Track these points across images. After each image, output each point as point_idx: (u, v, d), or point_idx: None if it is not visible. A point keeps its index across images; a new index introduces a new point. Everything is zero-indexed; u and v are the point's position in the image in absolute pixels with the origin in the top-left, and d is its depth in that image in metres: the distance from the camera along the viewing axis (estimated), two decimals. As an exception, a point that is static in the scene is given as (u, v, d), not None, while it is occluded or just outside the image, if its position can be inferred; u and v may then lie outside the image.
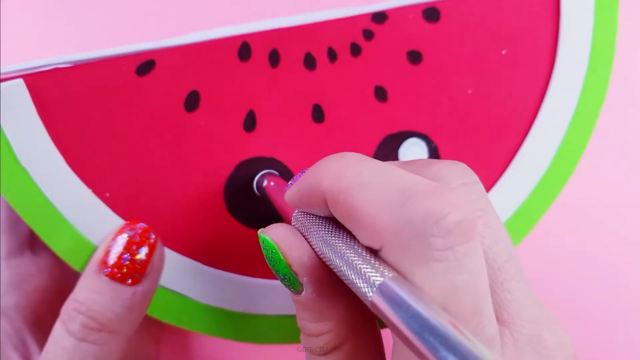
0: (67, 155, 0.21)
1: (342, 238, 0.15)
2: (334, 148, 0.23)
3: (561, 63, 0.23)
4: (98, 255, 0.20)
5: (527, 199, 0.24)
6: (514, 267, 0.15)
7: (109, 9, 0.27)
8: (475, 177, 0.16)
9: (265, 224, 0.23)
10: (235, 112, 0.22)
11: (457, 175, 0.16)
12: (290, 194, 0.17)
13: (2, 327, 0.23)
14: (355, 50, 0.22)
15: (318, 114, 0.22)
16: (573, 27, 0.23)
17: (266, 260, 0.17)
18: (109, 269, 0.19)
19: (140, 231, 0.20)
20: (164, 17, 0.28)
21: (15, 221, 0.25)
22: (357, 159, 0.16)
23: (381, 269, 0.14)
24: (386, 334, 0.18)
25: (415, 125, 0.23)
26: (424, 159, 0.17)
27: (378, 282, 0.13)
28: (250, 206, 0.22)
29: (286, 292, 0.23)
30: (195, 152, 0.22)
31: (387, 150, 0.23)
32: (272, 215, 0.22)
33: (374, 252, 0.14)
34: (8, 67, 0.20)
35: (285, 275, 0.16)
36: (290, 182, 0.18)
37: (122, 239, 0.20)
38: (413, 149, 0.23)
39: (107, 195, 0.21)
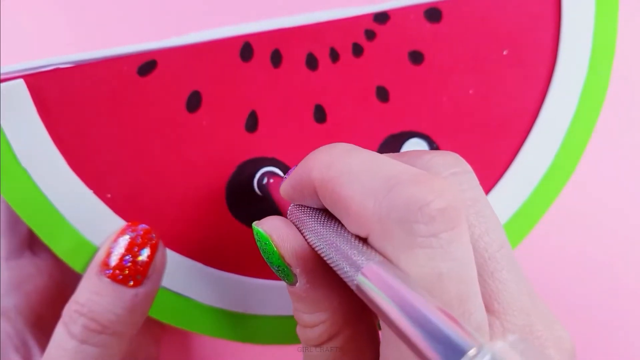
0: (68, 156, 0.20)
1: (333, 227, 0.16)
2: (336, 148, 0.22)
3: (562, 63, 0.23)
4: (99, 256, 0.20)
5: (528, 199, 0.24)
6: (506, 257, 0.15)
7: (110, 9, 0.27)
8: (467, 167, 0.16)
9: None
10: (237, 112, 0.22)
11: (448, 164, 0.16)
12: (284, 187, 0.17)
13: (2, 328, 0.23)
14: (358, 50, 0.22)
15: (320, 114, 0.22)
16: (574, 28, 0.23)
17: (261, 252, 0.17)
18: (111, 271, 0.19)
19: (142, 232, 0.20)
20: (165, 17, 0.28)
21: (15, 222, 0.24)
22: (347, 149, 0.16)
23: (368, 253, 0.14)
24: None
25: (416, 125, 0.23)
26: (417, 150, 0.17)
27: (363, 266, 0.13)
28: (252, 206, 0.22)
29: (287, 293, 0.23)
30: (197, 153, 0.21)
31: (388, 150, 0.23)
32: (275, 215, 0.22)
33: (363, 241, 0.15)
34: (8, 67, 0.20)
35: (279, 266, 0.17)
36: (285, 175, 0.18)
37: (124, 240, 0.20)
38: (415, 149, 0.23)
39: (109, 195, 0.21)
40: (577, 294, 0.31)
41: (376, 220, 0.14)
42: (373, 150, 0.23)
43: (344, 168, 0.15)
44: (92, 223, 0.21)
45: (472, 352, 0.11)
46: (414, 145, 0.23)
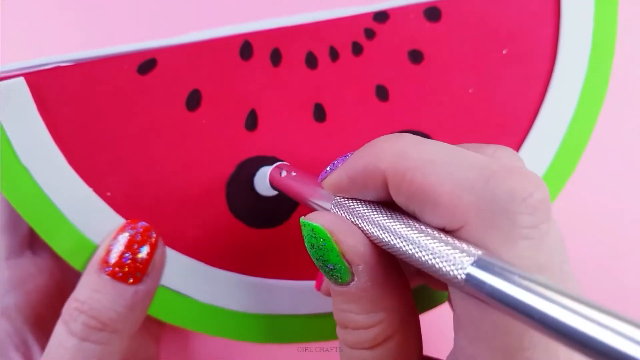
0: (68, 154, 0.20)
1: (404, 221, 0.15)
2: (336, 147, 0.23)
3: (562, 62, 0.23)
4: (99, 254, 0.20)
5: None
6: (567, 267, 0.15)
7: (110, 8, 0.27)
8: (522, 161, 0.16)
9: (267, 222, 0.23)
10: (237, 111, 0.22)
11: (511, 158, 0.16)
12: (335, 180, 0.16)
13: (2, 326, 0.23)
14: (357, 49, 0.22)
15: (320, 113, 0.22)
16: (573, 26, 0.23)
17: (311, 249, 0.16)
18: (111, 268, 0.19)
19: (141, 230, 0.20)
20: (165, 16, 0.28)
21: (15, 221, 0.24)
22: (417, 139, 0.15)
23: (468, 248, 0.13)
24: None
25: (416, 124, 0.23)
26: (471, 143, 0.17)
27: (470, 261, 0.13)
28: (252, 205, 0.22)
29: (286, 292, 0.23)
30: (197, 151, 0.21)
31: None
32: (275, 213, 0.22)
33: (447, 233, 0.14)
34: (9, 66, 0.20)
35: (335, 264, 0.16)
36: (329, 168, 0.17)
37: (124, 237, 0.20)
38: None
39: (108, 194, 0.21)
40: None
41: (474, 211, 0.13)
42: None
43: (424, 157, 0.14)
44: (91, 221, 0.21)
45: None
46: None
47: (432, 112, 0.23)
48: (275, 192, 0.22)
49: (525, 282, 0.12)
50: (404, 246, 0.14)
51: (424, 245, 0.14)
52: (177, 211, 0.22)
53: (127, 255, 0.20)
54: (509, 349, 0.13)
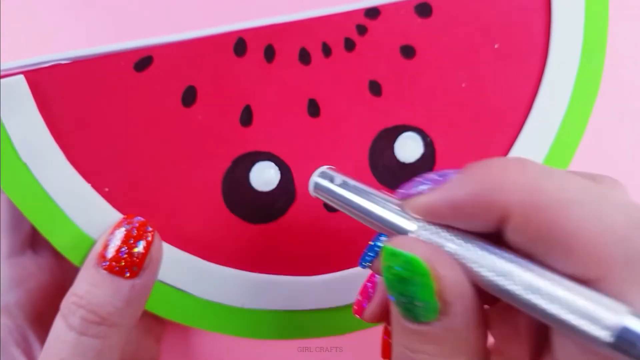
0: (66, 150, 0.21)
1: (527, 265, 0.13)
2: (330, 142, 0.23)
3: (554, 56, 0.24)
4: (97, 249, 0.20)
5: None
6: None
7: (107, 6, 0.28)
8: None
9: (263, 217, 0.23)
10: (232, 106, 0.22)
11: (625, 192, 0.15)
12: (431, 202, 0.14)
13: (3, 323, 0.23)
14: (350, 45, 0.22)
15: (314, 109, 0.23)
16: (565, 20, 0.23)
17: (397, 283, 0.14)
18: (107, 263, 0.20)
19: (137, 225, 0.20)
20: (161, 14, 0.28)
21: (16, 221, 0.25)
22: (544, 168, 0.13)
23: (615, 304, 0.12)
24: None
25: (410, 119, 0.23)
26: (584, 172, 0.15)
27: (620, 320, 0.11)
28: (248, 200, 0.23)
29: (284, 287, 0.23)
30: (193, 147, 0.22)
31: (382, 144, 0.23)
32: (271, 208, 0.23)
33: (578, 282, 0.12)
34: (9, 64, 0.20)
35: (426, 302, 0.14)
36: (420, 185, 0.15)
37: (120, 232, 0.20)
38: (408, 143, 0.23)
39: (106, 189, 0.21)
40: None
41: (621, 263, 0.12)
42: (367, 143, 0.23)
43: (563, 195, 0.13)
44: (90, 217, 0.21)
45: None
46: (408, 139, 0.23)
47: (425, 106, 0.23)
48: (271, 187, 0.22)
49: None
50: (527, 296, 0.12)
51: (556, 297, 0.12)
52: (173, 206, 0.22)
53: (123, 249, 0.20)
54: None
